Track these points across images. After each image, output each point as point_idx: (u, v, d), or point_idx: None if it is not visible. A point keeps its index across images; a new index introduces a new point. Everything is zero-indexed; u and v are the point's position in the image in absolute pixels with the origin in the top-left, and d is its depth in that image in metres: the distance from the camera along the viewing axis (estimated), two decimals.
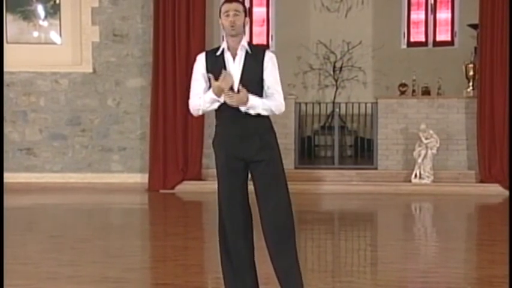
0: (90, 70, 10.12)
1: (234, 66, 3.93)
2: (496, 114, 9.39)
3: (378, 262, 5.68)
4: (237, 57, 3.95)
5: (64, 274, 4.97)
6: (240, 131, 3.93)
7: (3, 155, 9.76)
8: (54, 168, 10.16)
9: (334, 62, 13.07)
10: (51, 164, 10.18)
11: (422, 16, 12.82)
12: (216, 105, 3.91)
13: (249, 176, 4.05)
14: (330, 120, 11.97)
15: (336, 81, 13.10)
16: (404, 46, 13.05)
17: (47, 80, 10.14)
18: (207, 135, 9.68)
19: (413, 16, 12.93)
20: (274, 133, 4.04)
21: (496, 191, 9.29)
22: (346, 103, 11.47)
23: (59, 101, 10.17)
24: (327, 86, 13.24)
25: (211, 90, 3.87)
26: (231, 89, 3.85)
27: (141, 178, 9.90)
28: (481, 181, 9.52)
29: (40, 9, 10.11)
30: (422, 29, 12.85)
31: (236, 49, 3.96)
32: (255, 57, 3.95)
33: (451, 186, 9.49)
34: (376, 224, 7.94)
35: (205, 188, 9.17)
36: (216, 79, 3.82)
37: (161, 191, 9.58)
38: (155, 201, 9.08)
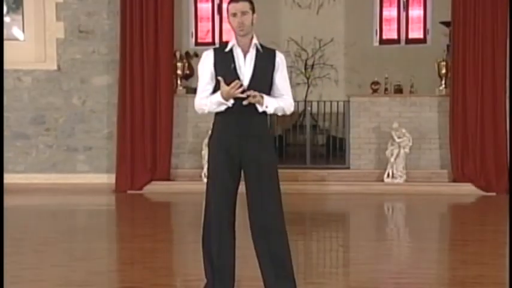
0: (55, 67, 9.90)
1: (245, 64, 3.92)
2: (469, 112, 9.36)
3: (349, 263, 5.64)
4: (249, 55, 3.93)
5: (26, 278, 4.87)
6: (240, 131, 3.91)
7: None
8: (17, 168, 9.93)
9: (306, 60, 12.99)
10: (13, 164, 9.94)
11: (394, 13, 12.82)
12: (223, 108, 3.89)
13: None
14: (301, 118, 11.87)
15: (308, 79, 13.02)
16: (376, 43, 13.03)
17: (9, 77, 9.87)
18: (175, 134, 9.58)
19: (385, 13, 12.92)
20: (272, 137, 4.06)
21: (468, 190, 9.25)
22: (318, 101, 11.41)
23: (22, 99, 9.94)
24: (298, 84, 13.15)
25: (219, 93, 3.84)
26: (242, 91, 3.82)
27: (107, 178, 9.71)
28: (454, 180, 9.49)
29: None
30: (395, 26, 12.84)
31: (247, 46, 3.93)
32: (266, 56, 3.95)
33: (423, 185, 9.44)
34: (348, 225, 7.87)
35: (174, 189, 9.06)
36: (227, 84, 3.78)
37: (129, 191, 9.40)
38: (122, 202, 8.91)
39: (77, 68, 9.93)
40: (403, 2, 12.76)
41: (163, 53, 9.48)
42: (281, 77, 4.02)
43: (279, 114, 4.04)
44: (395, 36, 12.87)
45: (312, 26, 12.86)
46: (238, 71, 3.90)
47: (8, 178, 9.61)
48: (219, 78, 3.84)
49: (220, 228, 3.99)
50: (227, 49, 3.95)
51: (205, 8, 12.35)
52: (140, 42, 9.48)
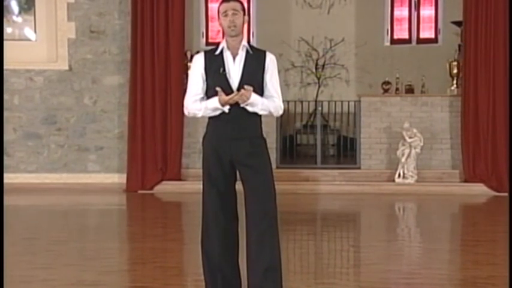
0: (66, 67, 9.91)
1: (234, 66, 3.89)
2: (480, 112, 9.31)
3: (360, 263, 5.61)
4: (238, 57, 3.90)
5: (38, 277, 4.86)
6: (231, 133, 3.89)
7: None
8: (28, 168, 9.95)
9: (317, 60, 12.96)
10: (25, 164, 9.96)
11: (405, 13, 12.76)
12: (218, 113, 3.89)
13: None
14: (312, 118, 11.85)
15: (319, 79, 12.99)
16: (387, 43, 12.98)
17: (21, 77, 9.91)
18: (186, 134, 9.56)
19: (396, 13, 12.86)
20: (265, 139, 4.00)
21: (480, 190, 9.20)
22: (329, 101, 11.37)
23: (34, 99, 9.95)
24: (309, 84, 13.12)
25: (216, 99, 3.83)
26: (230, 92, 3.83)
27: (118, 178, 9.72)
28: (465, 181, 9.43)
29: (14, 5, 9.86)
30: (406, 26, 12.79)
31: (236, 49, 3.90)
32: (256, 58, 3.91)
33: (434, 186, 9.40)
34: (359, 225, 7.84)
35: (185, 189, 9.05)
36: (224, 92, 3.78)
37: (139, 191, 9.40)
38: (133, 202, 8.91)
39: (88, 68, 9.93)
40: (415, 1, 12.69)
41: (174, 53, 9.49)
42: (271, 79, 3.95)
43: (264, 113, 3.96)
44: (406, 36, 12.80)
45: (322, 26, 12.82)
46: (228, 74, 3.88)
47: (20, 178, 9.69)
48: (217, 89, 3.80)
49: (217, 229, 3.96)
50: (217, 52, 3.92)
51: (216, 8, 12.33)
52: (151, 42, 9.49)
